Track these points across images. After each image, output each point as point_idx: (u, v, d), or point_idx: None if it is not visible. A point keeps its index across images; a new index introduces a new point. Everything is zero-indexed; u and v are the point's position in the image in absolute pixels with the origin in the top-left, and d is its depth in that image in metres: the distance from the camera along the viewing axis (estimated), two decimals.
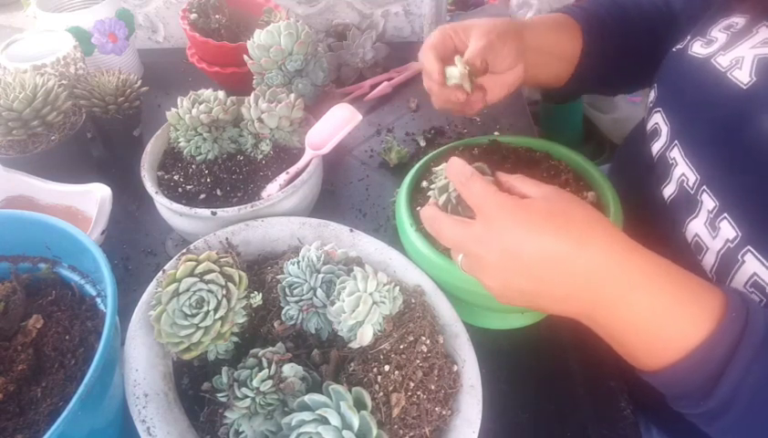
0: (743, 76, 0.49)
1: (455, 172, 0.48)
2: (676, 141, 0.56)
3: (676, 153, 0.55)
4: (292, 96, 0.70)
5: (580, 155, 0.64)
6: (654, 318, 0.39)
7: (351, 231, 0.61)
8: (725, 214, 0.48)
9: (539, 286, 0.41)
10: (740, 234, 0.46)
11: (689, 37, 0.57)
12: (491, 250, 0.42)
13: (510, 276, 0.42)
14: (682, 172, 0.54)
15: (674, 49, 0.59)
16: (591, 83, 0.73)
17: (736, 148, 0.48)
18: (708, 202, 0.50)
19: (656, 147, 0.59)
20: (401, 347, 0.49)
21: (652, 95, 0.62)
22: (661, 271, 0.40)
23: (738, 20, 0.53)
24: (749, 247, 0.45)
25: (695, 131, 0.54)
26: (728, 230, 0.47)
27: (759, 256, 0.45)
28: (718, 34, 0.54)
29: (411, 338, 0.50)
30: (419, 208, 0.59)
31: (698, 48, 0.55)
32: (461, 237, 0.45)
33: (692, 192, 0.52)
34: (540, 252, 0.40)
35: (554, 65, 0.69)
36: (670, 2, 0.69)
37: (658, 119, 0.59)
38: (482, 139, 0.67)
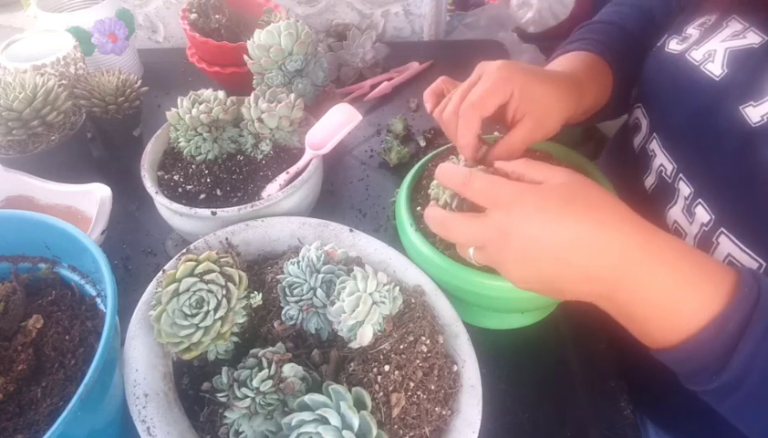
0: (716, 68, 0.51)
1: (450, 177, 0.47)
2: (654, 134, 0.58)
3: (654, 145, 0.58)
4: (292, 96, 0.70)
5: (580, 155, 0.64)
6: (672, 294, 0.40)
7: (351, 231, 0.61)
8: (700, 200, 0.51)
9: (562, 269, 0.41)
10: (713, 217, 0.50)
11: (665, 36, 0.60)
12: (511, 237, 0.41)
13: (532, 262, 0.41)
14: (660, 162, 0.57)
15: (653, 49, 0.61)
16: (600, 118, 0.70)
17: (709, 136, 0.51)
18: (684, 189, 0.53)
19: (637, 140, 0.62)
20: (401, 347, 0.49)
21: (634, 92, 0.65)
22: (677, 250, 0.41)
23: (710, 17, 0.55)
24: (722, 229, 0.49)
25: (671, 123, 0.57)
26: (703, 214, 0.51)
27: (732, 237, 0.48)
28: (692, 31, 0.56)
29: (411, 338, 0.50)
30: (419, 208, 0.60)
31: (673, 45, 0.57)
32: (476, 231, 0.44)
33: (670, 181, 0.55)
34: (562, 237, 0.40)
35: (582, 117, 0.65)
36: (654, 12, 0.70)
37: (638, 114, 0.62)
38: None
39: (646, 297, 0.40)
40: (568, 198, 0.41)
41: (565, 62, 0.65)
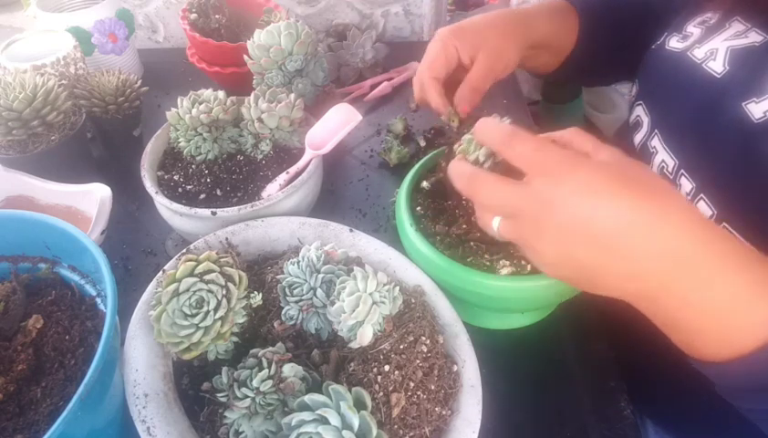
0: (717, 66, 0.51)
1: (491, 133, 0.41)
2: (656, 131, 0.58)
3: (656, 142, 0.58)
4: (292, 96, 0.70)
5: None
6: (734, 303, 0.36)
7: (351, 231, 0.61)
8: (702, 195, 0.51)
9: (605, 259, 0.36)
10: (715, 212, 0.50)
11: (666, 34, 0.60)
12: (555, 211, 0.36)
13: (572, 246, 0.37)
14: (662, 158, 0.57)
15: (653, 46, 0.61)
16: (574, 74, 0.73)
17: (710, 132, 0.51)
18: (686, 185, 0.53)
19: (638, 138, 0.62)
20: (401, 347, 0.49)
21: (634, 90, 0.65)
22: (741, 256, 0.37)
23: (711, 16, 0.56)
24: (724, 224, 0.49)
25: (673, 120, 0.56)
26: (705, 210, 0.50)
27: (733, 233, 0.48)
28: (693, 29, 0.57)
29: (411, 338, 0.50)
30: (419, 208, 0.60)
31: (674, 43, 0.58)
32: (512, 196, 0.39)
33: (672, 178, 0.55)
34: (615, 221, 0.35)
35: (545, 57, 0.68)
36: (655, 4, 0.70)
37: (639, 112, 0.62)
38: None
39: (699, 306, 0.36)
40: (625, 178, 0.36)
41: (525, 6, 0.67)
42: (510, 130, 0.40)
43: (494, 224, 0.41)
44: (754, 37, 0.50)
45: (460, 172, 0.43)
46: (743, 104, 0.47)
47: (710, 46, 0.53)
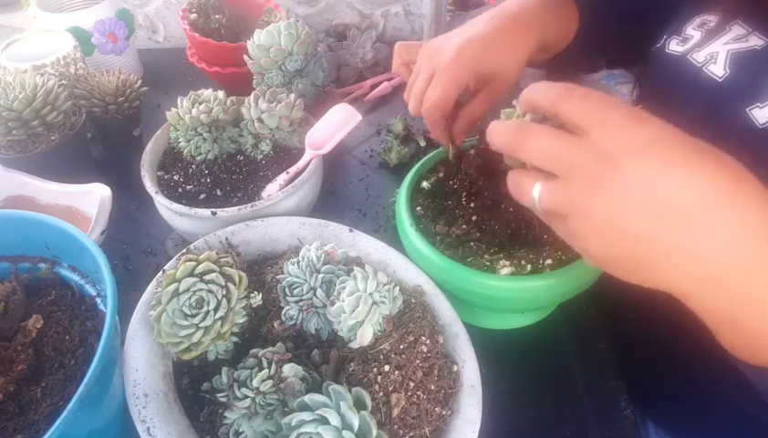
0: (718, 69, 0.51)
1: (546, 90, 0.37)
2: None
3: None
4: (292, 96, 0.70)
5: None
6: None
7: (351, 231, 0.61)
8: None
9: (671, 232, 0.31)
10: None
11: (665, 36, 0.60)
12: (615, 170, 0.32)
13: (631, 212, 0.32)
14: None
15: (652, 49, 0.61)
16: (561, 66, 0.70)
17: (714, 138, 0.50)
18: None
19: None
20: (401, 347, 0.49)
21: (635, 93, 0.65)
22: None
23: (710, 18, 0.55)
24: None
25: (675, 123, 0.56)
26: None
27: None
28: (693, 32, 0.56)
29: (411, 339, 0.50)
30: (419, 208, 0.60)
31: (674, 46, 0.57)
32: (563, 149, 0.34)
33: None
34: (691, 189, 0.31)
35: (540, 57, 0.66)
36: None
37: None
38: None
39: None
40: (701, 147, 0.32)
41: None
42: (568, 85, 0.36)
43: (535, 191, 0.36)
44: (755, 41, 0.50)
45: (505, 126, 0.38)
46: (747, 109, 0.47)
47: (710, 50, 0.53)
